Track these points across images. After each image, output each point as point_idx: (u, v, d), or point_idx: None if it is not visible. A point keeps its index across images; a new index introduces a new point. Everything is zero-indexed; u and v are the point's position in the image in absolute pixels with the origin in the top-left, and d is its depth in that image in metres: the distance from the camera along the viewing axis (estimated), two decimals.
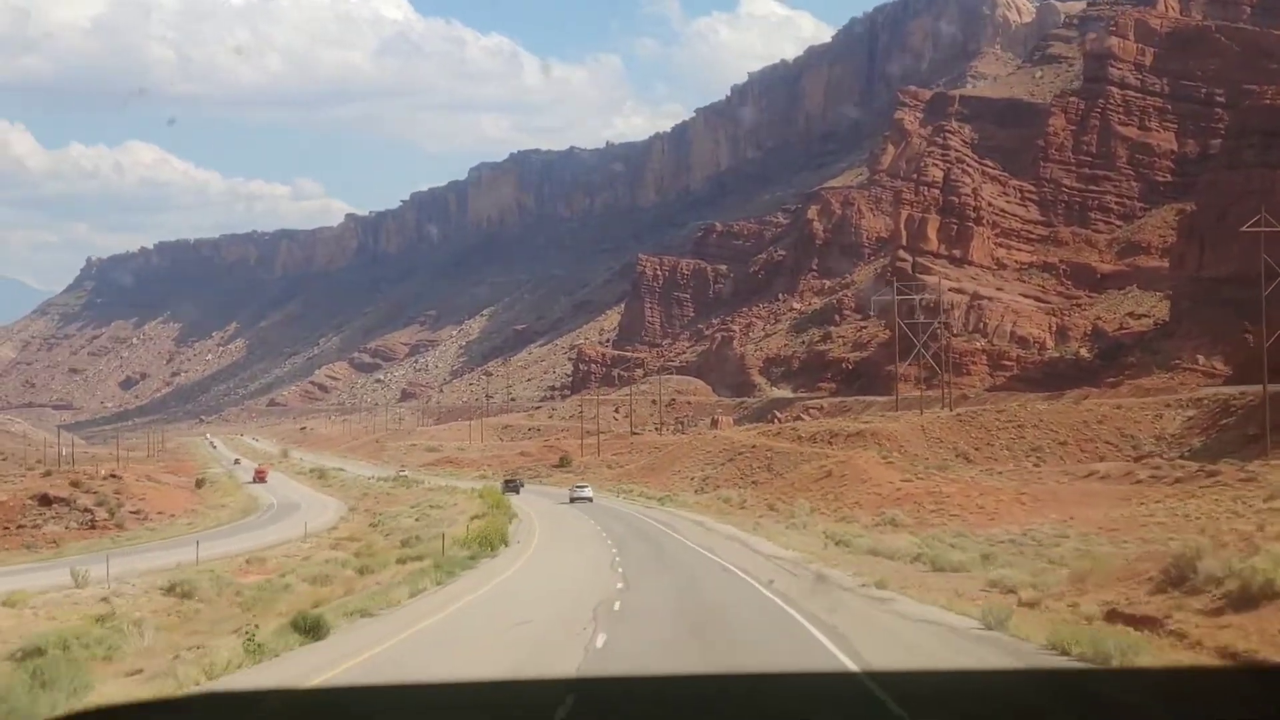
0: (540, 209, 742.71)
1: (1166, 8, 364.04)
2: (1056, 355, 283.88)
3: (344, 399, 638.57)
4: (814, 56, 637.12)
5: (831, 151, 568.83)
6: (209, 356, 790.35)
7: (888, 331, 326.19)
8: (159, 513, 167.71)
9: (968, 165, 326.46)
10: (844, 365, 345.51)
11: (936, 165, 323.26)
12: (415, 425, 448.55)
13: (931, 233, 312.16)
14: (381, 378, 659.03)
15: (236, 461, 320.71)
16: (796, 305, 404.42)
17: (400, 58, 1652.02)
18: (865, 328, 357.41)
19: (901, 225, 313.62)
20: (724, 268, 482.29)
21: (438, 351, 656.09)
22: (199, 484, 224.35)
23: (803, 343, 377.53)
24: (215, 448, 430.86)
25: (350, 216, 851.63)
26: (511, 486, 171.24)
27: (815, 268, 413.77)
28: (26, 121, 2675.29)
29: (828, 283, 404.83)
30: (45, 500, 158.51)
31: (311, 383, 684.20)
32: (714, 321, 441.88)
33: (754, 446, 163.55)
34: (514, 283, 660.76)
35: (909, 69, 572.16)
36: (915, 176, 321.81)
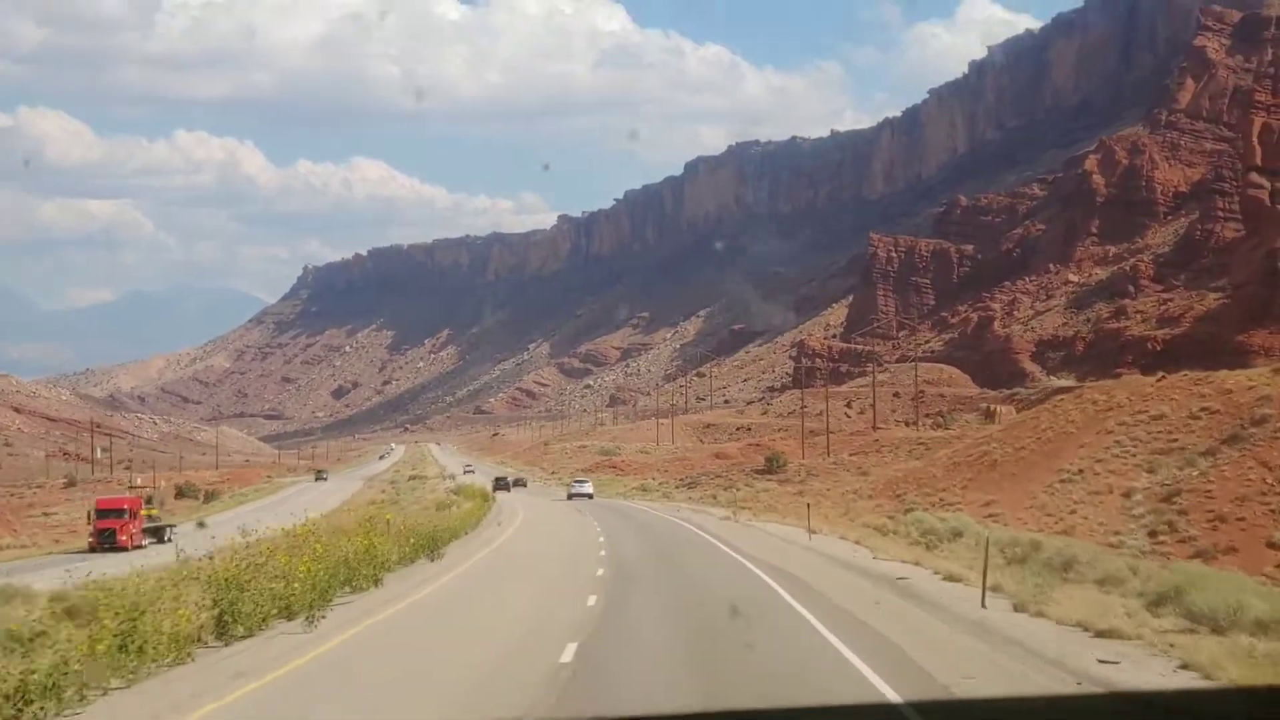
0: (760, 203, 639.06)
1: None
2: None
3: (551, 405, 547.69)
4: (1061, 25, 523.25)
5: (1087, 127, 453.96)
6: (420, 364, 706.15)
7: (1222, 297, 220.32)
8: None
9: None
10: (1149, 345, 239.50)
11: None
12: (607, 426, 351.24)
13: None
14: (591, 383, 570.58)
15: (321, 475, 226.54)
16: (1074, 278, 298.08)
17: (619, 69, 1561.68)
18: (1172, 299, 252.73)
19: (1255, 139, 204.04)
20: (970, 247, 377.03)
21: (651, 355, 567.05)
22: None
23: (1087, 320, 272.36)
24: (382, 458, 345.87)
25: (563, 218, 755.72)
26: (502, 484, 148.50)
27: (1095, 231, 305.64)
28: (256, 139, 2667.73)
29: (1113, 249, 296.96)
30: None
31: (519, 389, 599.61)
32: (962, 306, 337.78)
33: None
34: (732, 281, 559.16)
35: (1177, 29, 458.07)
36: (1274, 71, 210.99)
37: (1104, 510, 50.29)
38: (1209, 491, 48.99)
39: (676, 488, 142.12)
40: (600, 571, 40.31)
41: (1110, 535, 47.22)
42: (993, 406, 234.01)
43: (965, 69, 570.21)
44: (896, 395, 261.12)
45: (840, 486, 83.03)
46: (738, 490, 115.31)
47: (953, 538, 44.75)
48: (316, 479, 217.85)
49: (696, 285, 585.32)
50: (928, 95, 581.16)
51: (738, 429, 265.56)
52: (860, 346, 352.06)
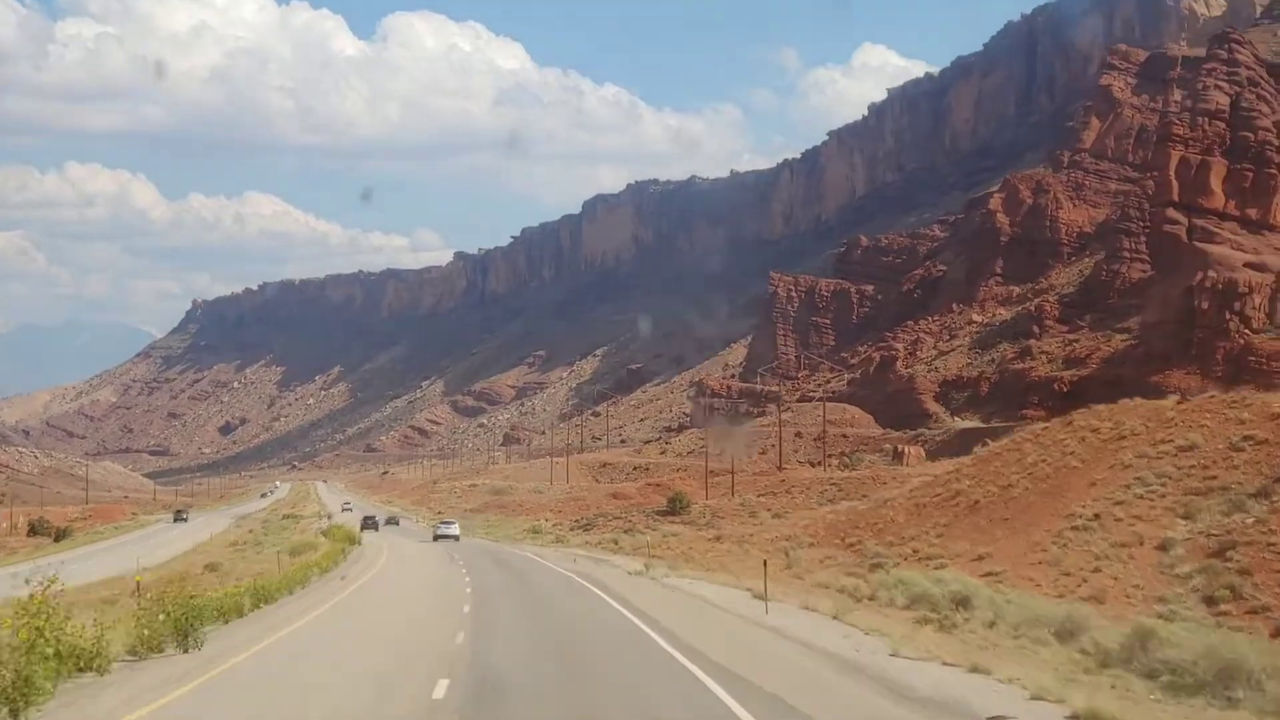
0: (659, 243, 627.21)
1: None
2: None
3: (444, 444, 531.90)
4: (961, 68, 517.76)
5: (986, 169, 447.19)
6: (310, 400, 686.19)
7: (1130, 338, 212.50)
8: None
9: (1263, 90, 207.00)
10: (1056, 386, 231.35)
11: (1220, 87, 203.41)
12: (500, 465, 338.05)
13: (1215, 183, 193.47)
14: (485, 422, 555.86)
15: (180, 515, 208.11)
16: (977, 318, 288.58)
17: (518, 107, 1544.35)
18: (1078, 340, 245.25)
19: (1172, 173, 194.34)
20: (870, 287, 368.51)
21: (546, 394, 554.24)
22: None
23: (991, 361, 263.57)
24: (265, 496, 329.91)
25: (459, 255, 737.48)
26: (370, 523, 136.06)
27: (1000, 271, 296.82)
28: (148, 172, 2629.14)
29: (1017, 289, 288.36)
30: None
31: (411, 427, 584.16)
32: (863, 346, 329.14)
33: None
34: (629, 321, 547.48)
35: (1075, 72, 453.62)
36: (1190, 105, 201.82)
37: (1136, 568, 38.14)
38: (1273, 544, 37.27)
39: (571, 530, 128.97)
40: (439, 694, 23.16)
41: (1154, 603, 35.21)
42: (901, 447, 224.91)
43: (864, 112, 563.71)
44: (799, 435, 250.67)
45: (765, 531, 69.54)
46: (641, 534, 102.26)
47: (956, 607, 32.51)
48: (175, 519, 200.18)
49: (593, 324, 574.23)
50: (827, 137, 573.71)
51: (635, 468, 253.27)
52: (760, 386, 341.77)
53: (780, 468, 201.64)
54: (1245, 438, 44.14)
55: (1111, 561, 39.34)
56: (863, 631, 28.22)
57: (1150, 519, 41.31)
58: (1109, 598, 36.45)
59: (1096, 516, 42.47)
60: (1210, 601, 35.37)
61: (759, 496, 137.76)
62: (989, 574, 40.44)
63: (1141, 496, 42.79)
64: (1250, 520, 38.76)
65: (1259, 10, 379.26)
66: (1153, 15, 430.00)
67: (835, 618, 31.08)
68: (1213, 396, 50.66)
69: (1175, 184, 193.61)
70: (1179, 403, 51.58)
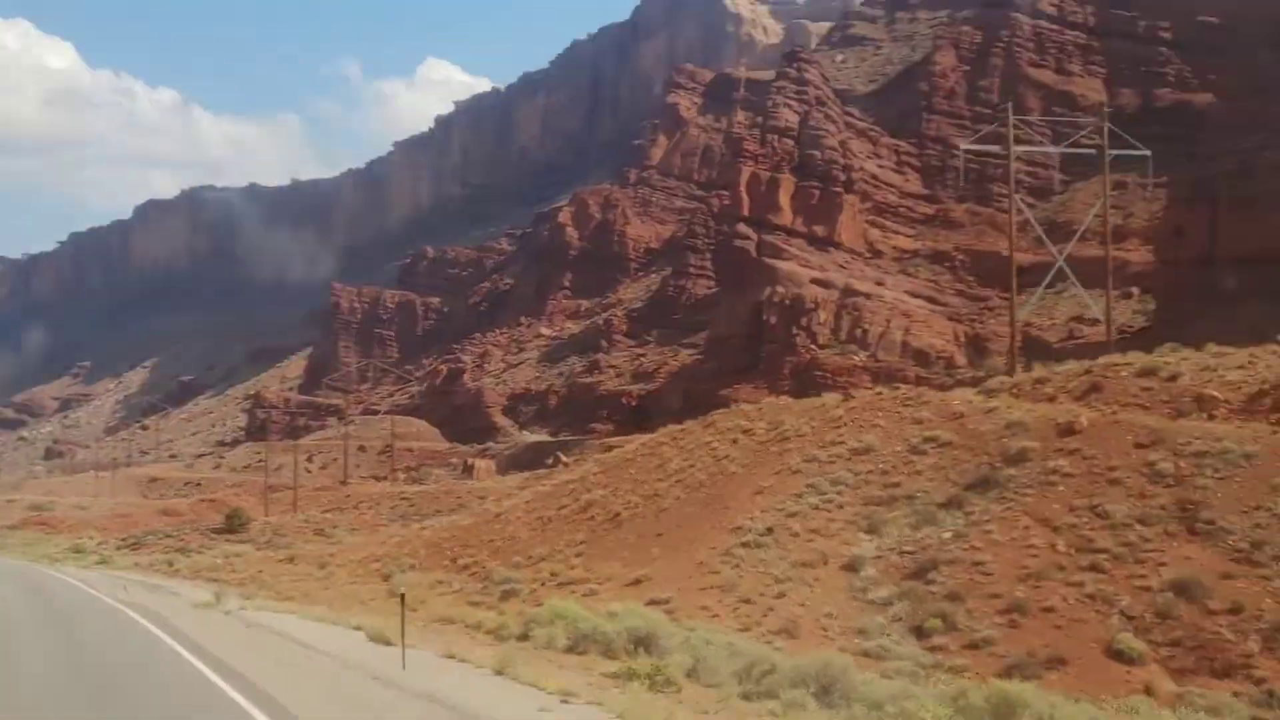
0: (215, 251, 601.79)
1: None
2: (975, 374, 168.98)
3: None
4: (529, 84, 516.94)
5: (552, 185, 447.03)
6: None
7: (697, 353, 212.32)
8: None
9: (830, 111, 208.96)
10: (624, 400, 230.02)
11: (790, 105, 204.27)
12: (41, 479, 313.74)
13: (784, 200, 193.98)
14: (26, 435, 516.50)
15: None
16: (546, 331, 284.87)
17: (66, 109, 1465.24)
18: (645, 355, 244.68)
19: (743, 188, 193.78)
20: (436, 300, 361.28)
21: (92, 406, 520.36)
22: None
23: (560, 375, 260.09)
24: None
25: (1, 259, 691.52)
26: None
27: (568, 285, 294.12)
28: None
29: (585, 303, 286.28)
30: None
31: None
32: (429, 359, 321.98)
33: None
34: (182, 330, 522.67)
35: (639, 93, 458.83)
36: (761, 121, 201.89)
37: (825, 592, 31.62)
38: (979, 564, 31.51)
39: (118, 549, 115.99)
40: None
41: (853, 635, 28.83)
42: (470, 460, 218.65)
43: (431, 125, 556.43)
44: (362, 449, 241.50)
45: (348, 550, 59.91)
46: (198, 554, 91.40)
47: (636, 648, 25.00)
48: None
49: (144, 334, 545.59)
50: (393, 148, 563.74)
51: (186, 484, 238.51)
52: (321, 399, 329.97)
53: (344, 482, 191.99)
54: (927, 439, 38.70)
55: (795, 585, 32.83)
56: (557, 697, 19.89)
57: (831, 533, 35.17)
58: (802, 631, 29.88)
59: (769, 531, 36.02)
60: (920, 633, 29.23)
61: (325, 512, 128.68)
62: (654, 601, 32.99)
63: (817, 507, 36.69)
64: (947, 535, 33.11)
65: (814, 41, 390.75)
66: (713, 40, 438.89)
67: (501, 672, 22.51)
68: (880, 393, 45.08)
69: (746, 199, 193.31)
70: (846, 399, 45.83)
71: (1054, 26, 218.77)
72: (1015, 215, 78.92)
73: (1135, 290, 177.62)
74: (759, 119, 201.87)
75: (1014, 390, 43.01)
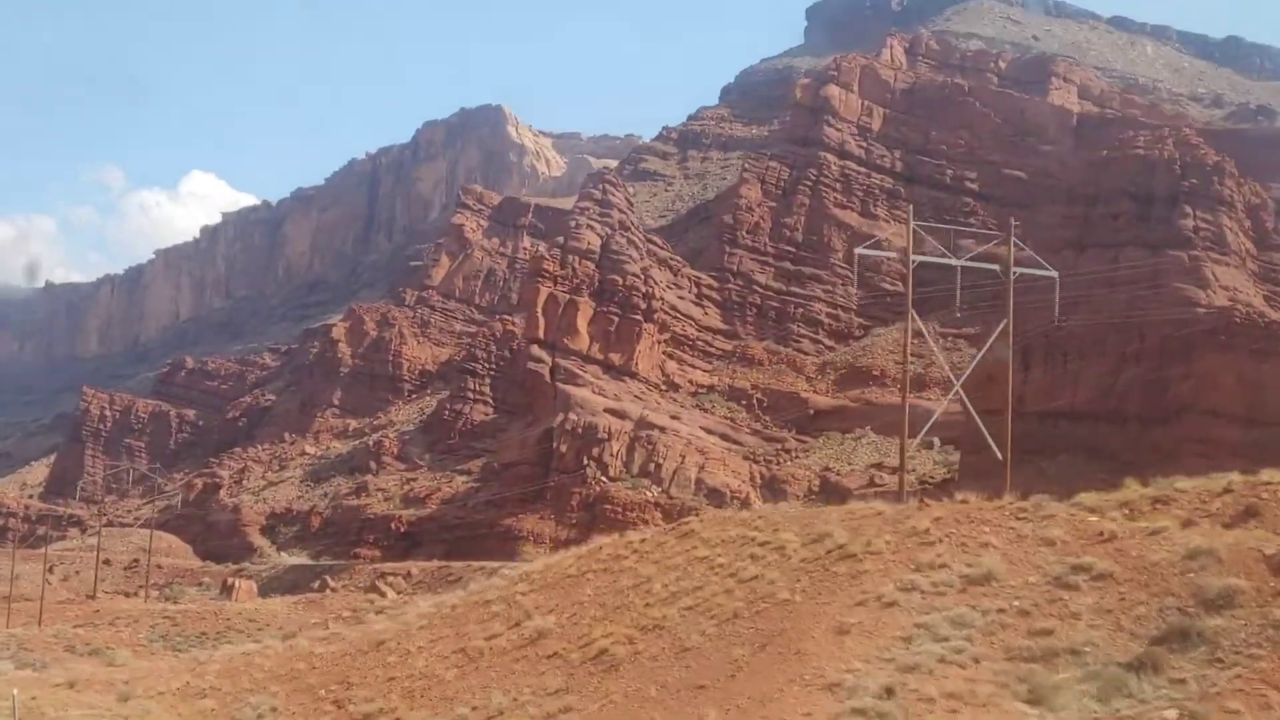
0: None
1: (894, 56, 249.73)
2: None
3: None
4: (302, 200, 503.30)
5: (320, 303, 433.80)
6: None
7: (472, 480, 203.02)
8: None
9: (633, 237, 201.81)
10: (394, 525, 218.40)
11: (593, 227, 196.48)
12: None
13: (582, 324, 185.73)
14: None
15: None
16: (310, 450, 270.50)
17: None
18: (416, 479, 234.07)
19: (539, 310, 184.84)
20: (192, 412, 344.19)
21: None
22: None
23: (325, 496, 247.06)
24: None
25: None
26: None
27: (337, 403, 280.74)
28: None
29: (354, 423, 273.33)
30: None
31: None
32: (181, 473, 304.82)
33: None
34: None
35: (415, 215, 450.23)
36: (563, 242, 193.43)
37: None
38: None
39: None
40: None
41: None
42: (230, 580, 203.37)
43: (196, 235, 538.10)
44: (108, 563, 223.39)
45: (156, 680, 46.94)
46: None
47: None
48: None
49: None
50: (154, 256, 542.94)
51: None
52: (63, 508, 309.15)
53: (92, 596, 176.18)
54: (1075, 569, 28.70)
55: None
56: None
57: (980, 699, 24.73)
58: None
59: (889, 693, 25.43)
60: None
61: (75, 628, 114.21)
62: None
63: (944, 659, 26.29)
64: (1170, 715, 23.48)
65: (596, 168, 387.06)
66: (495, 169, 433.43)
67: None
68: (996, 502, 34.46)
69: (542, 321, 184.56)
70: (923, 504, 35.51)
71: (861, 169, 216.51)
72: (908, 337, 71.43)
73: (936, 440, 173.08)
74: (560, 239, 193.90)
75: (1128, 510, 33.03)
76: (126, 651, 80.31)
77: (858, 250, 67.40)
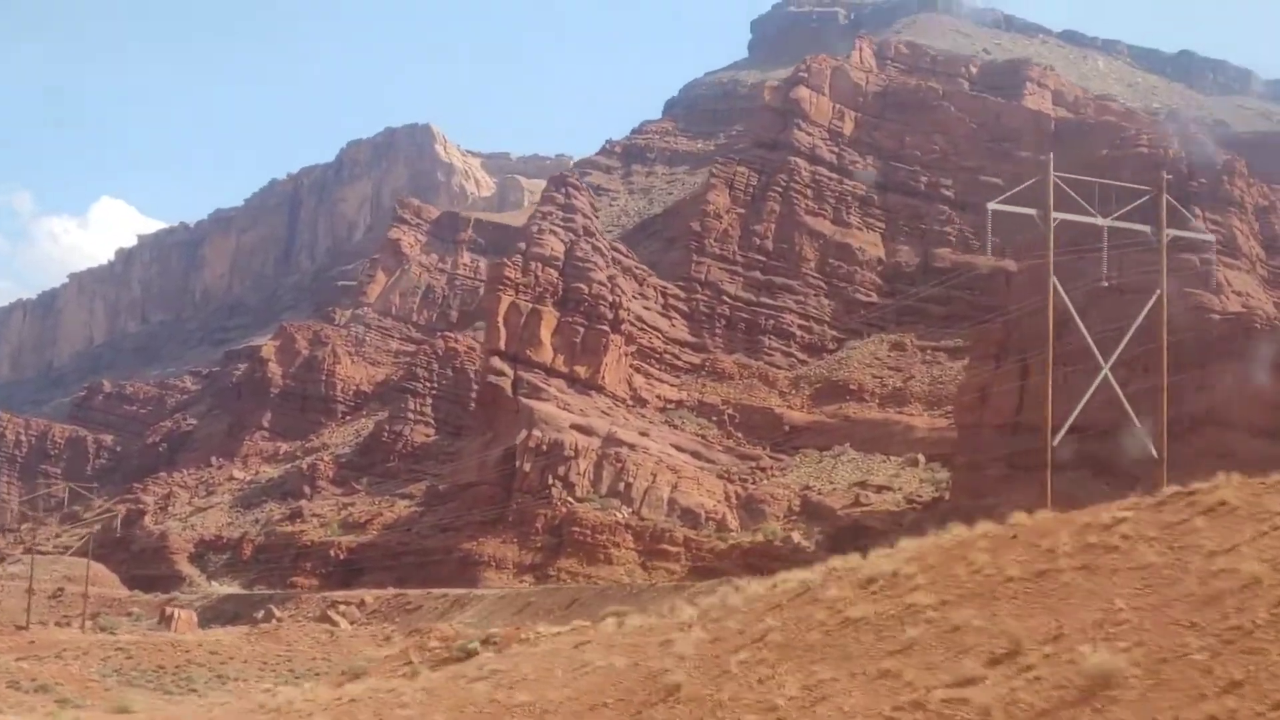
0: None
1: (863, 59, 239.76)
2: (754, 541, 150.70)
3: None
4: (221, 222, 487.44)
5: (239, 326, 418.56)
6: None
7: (416, 504, 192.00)
8: None
9: (598, 244, 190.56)
10: (333, 551, 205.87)
11: (555, 233, 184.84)
12: None
13: (546, 335, 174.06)
14: None
15: None
16: (239, 474, 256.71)
17: None
18: (354, 504, 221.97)
19: (501, 320, 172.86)
20: (110, 437, 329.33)
21: None
22: None
23: (257, 522, 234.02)
24: None
25: None
26: None
27: (267, 426, 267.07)
28: None
29: (285, 446, 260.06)
30: None
31: None
32: (102, 500, 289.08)
33: None
34: None
35: (339, 236, 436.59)
36: (525, 248, 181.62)
37: None
38: None
39: None
40: None
41: None
42: (169, 610, 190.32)
43: (111, 258, 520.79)
44: (31, 592, 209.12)
45: None
46: None
47: None
48: None
49: None
50: (68, 279, 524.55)
51: None
52: None
53: (24, 627, 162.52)
54: None
55: None
56: None
57: None
58: None
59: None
60: None
61: (17, 661, 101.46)
62: None
63: None
64: None
65: (525, 198, 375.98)
66: (423, 188, 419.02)
67: None
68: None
69: (504, 332, 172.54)
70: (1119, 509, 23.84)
71: (833, 175, 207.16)
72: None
73: (921, 457, 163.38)
74: (522, 244, 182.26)
75: None
76: (74, 687, 67.59)
77: (990, 205, 56.71)
